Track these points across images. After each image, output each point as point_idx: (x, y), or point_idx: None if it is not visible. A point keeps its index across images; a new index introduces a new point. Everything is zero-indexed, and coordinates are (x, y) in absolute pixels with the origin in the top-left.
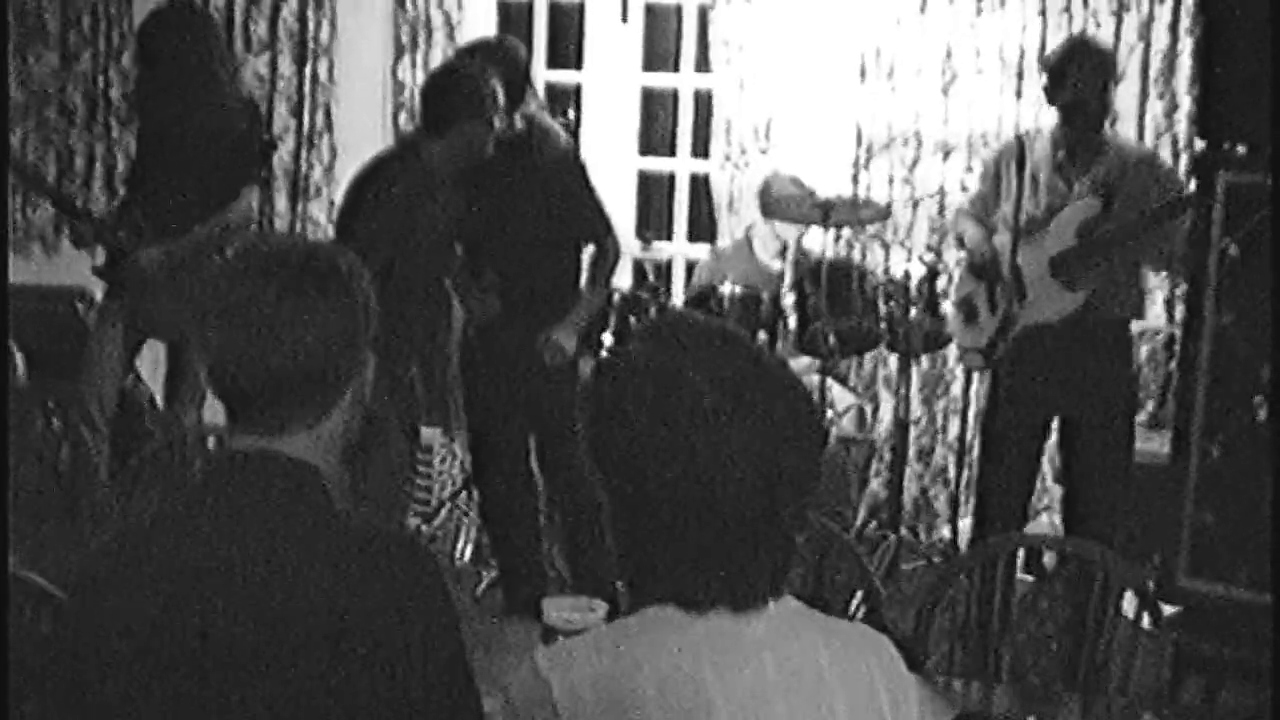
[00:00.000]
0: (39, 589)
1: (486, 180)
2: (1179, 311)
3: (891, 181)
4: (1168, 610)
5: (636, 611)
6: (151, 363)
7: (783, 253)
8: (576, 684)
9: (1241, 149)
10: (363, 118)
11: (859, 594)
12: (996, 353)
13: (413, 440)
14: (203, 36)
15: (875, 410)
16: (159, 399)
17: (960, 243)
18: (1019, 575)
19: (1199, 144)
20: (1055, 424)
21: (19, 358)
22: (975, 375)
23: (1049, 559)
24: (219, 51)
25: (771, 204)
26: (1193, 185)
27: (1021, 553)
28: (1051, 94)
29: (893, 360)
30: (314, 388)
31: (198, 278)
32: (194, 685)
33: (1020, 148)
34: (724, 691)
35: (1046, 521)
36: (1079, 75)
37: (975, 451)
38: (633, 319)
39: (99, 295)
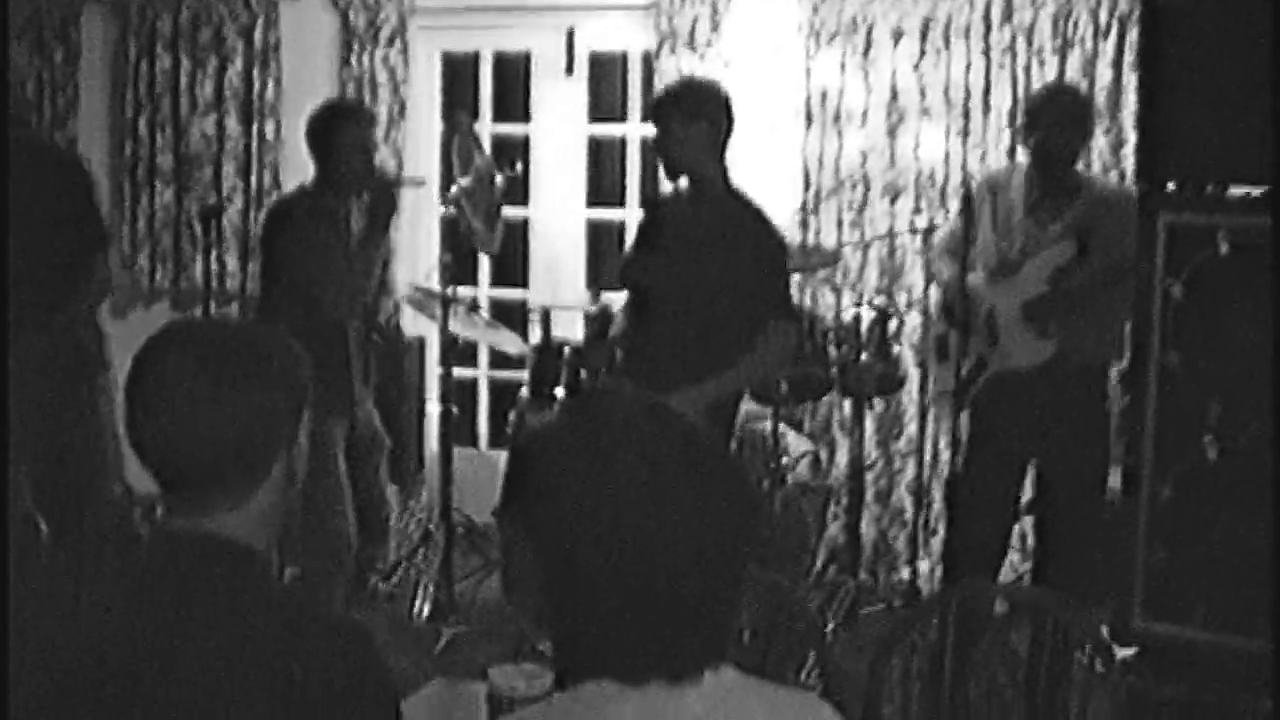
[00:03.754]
0: None
1: (673, 219)
2: None
3: (840, 225)
4: (1124, 652)
5: (570, 684)
6: None
7: None
8: None
9: (1181, 188)
10: (310, 176)
11: (811, 649)
12: (968, 396)
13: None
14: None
15: (831, 455)
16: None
17: (936, 281)
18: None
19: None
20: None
21: None
22: (930, 417)
23: (1000, 607)
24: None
25: None
26: None
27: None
28: (1025, 136)
29: (847, 404)
30: (240, 465)
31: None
32: None
33: (995, 186)
34: None
35: (1007, 561)
36: (1051, 118)
37: (934, 493)
38: (583, 372)
39: None
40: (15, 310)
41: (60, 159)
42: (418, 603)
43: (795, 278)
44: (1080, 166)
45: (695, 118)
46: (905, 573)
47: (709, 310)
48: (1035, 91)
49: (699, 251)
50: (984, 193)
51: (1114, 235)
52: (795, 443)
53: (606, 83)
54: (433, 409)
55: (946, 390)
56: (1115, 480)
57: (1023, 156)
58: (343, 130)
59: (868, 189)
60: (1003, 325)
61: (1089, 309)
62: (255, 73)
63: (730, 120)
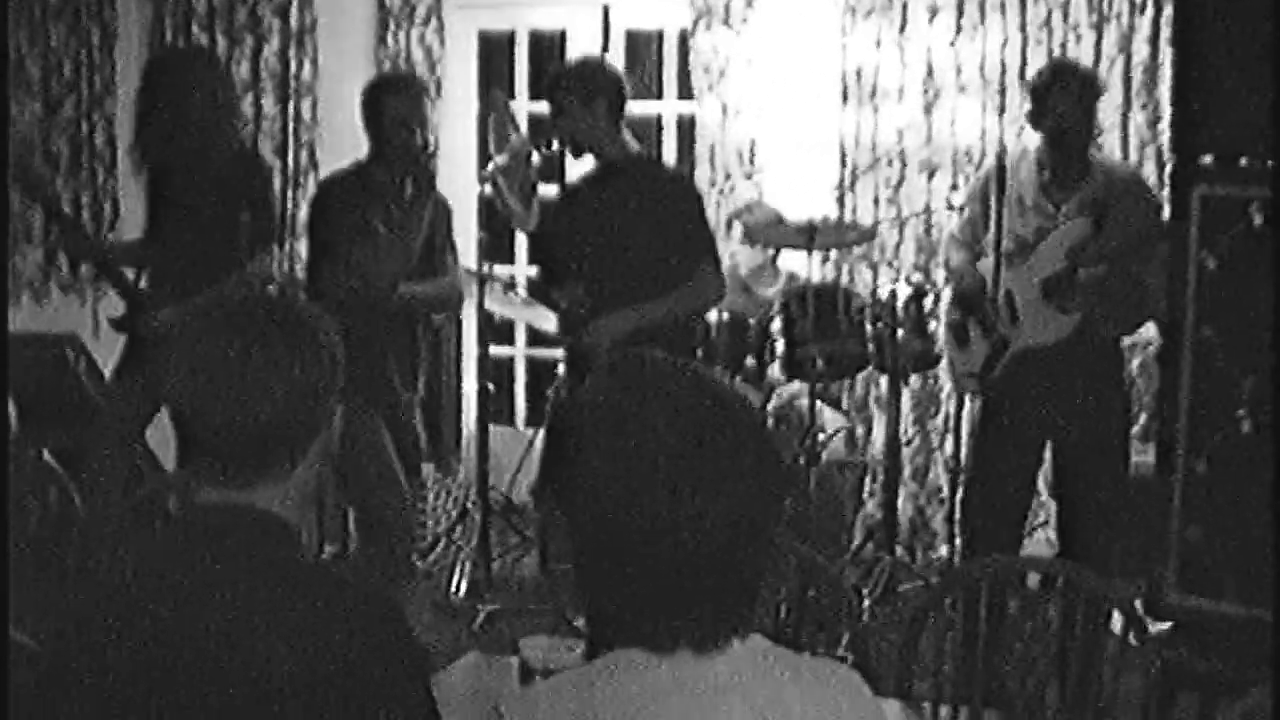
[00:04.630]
0: (23, 648)
1: (587, 199)
2: None
3: (877, 202)
4: (1158, 627)
5: (601, 653)
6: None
7: (771, 278)
8: None
9: (1215, 161)
10: (347, 156)
11: (844, 622)
12: (990, 376)
13: (414, 478)
14: (212, 83)
15: (867, 432)
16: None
17: (950, 272)
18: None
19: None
20: (1049, 445)
21: (10, 406)
22: (967, 394)
23: (1033, 580)
24: (227, 100)
25: (754, 230)
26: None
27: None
28: (1035, 117)
29: (883, 381)
30: (281, 440)
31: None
32: None
33: (1003, 171)
34: None
35: (1043, 538)
36: (1061, 97)
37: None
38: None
39: (89, 342)
40: (164, 283)
41: (246, 155)
42: (455, 580)
43: (831, 253)
44: (1117, 141)
45: (594, 96)
46: (942, 550)
47: (639, 273)
48: (1039, 71)
49: (617, 224)
50: (994, 179)
51: (1128, 211)
52: (832, 419)
53: (642, 60)
54: (470, 387)
55: (971, 371)
56: (1137, 455)
57: (1031, 138)
58: (388, 103)
59: (904, 165)
60: (1022, 305)
61: (1109, 283)
62: (291, 52)
63: (625, 96)
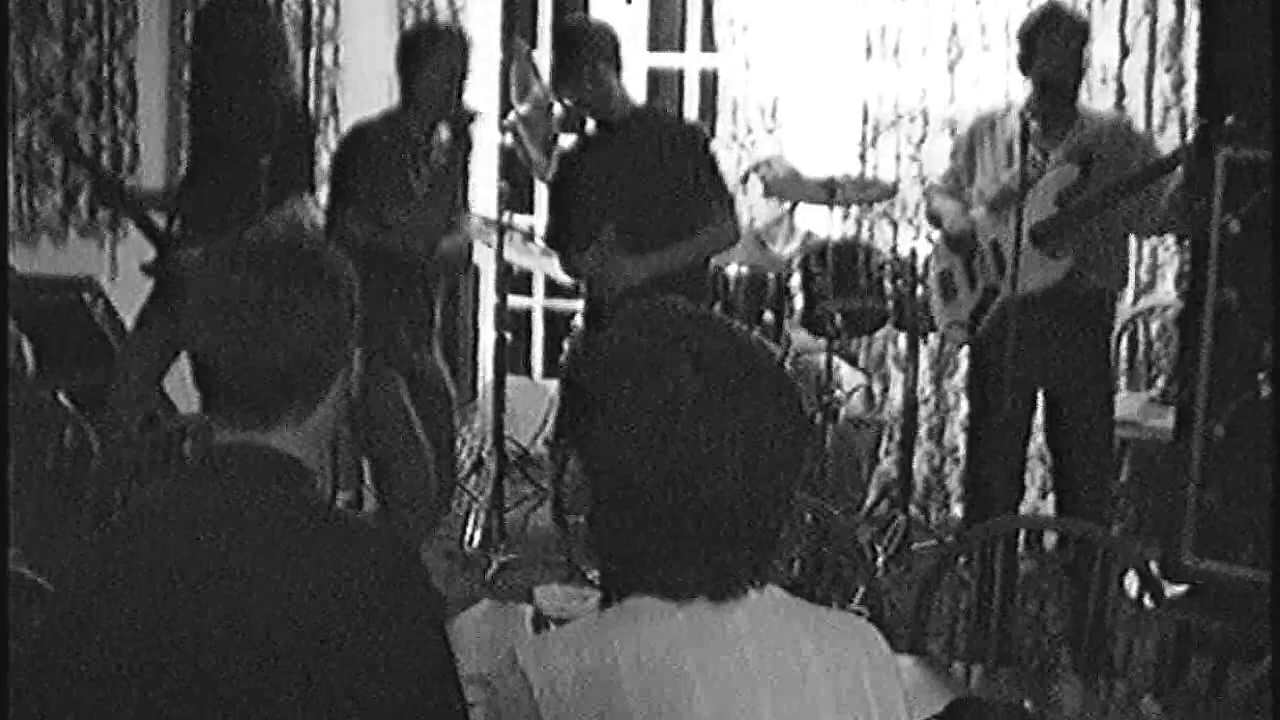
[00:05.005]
0: (34, 584)
1: (596, 154)
2: None
3: (898, 159)
4: (1174, 590)
5: (617, 601)
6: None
7: (787, 233)
8: (555, 677)
9: (1240, 123)
10: (369, 101)
11: (859, 577)
12: (979, 326)
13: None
14: (263, 30)
15: (885, 389)
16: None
17: (935, 220)
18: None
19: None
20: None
21: (27, 348)
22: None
23: (1049, 540)
24: (277, 48)
25: (772, 183)
26: (1164, 150)
27: (1022, 533)
28: (1025, 63)
29: (902, 339)
30: (300, 382)
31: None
32: (176, 681)
33: (993, 122)
34: (705, 682)
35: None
36: (1052, 44)
37: None
38: None
39: (106, 285)
40: (197, 228)
41: (295, 108)
42: (469, 530)
43: (852, 210)
44: (1141, 104)
45: (611, 58)
46: (957, 509)
47: (653, 223)
48: (1029, 16)
49: (628, 177)
50: (981, 130)
51: (1115, 156)
52: (849, 376)
53: (666, 13)
54: (487, 337)
55: (957, 323)
56: (1156, 419)
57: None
58: (434, 52)
59: (926, 123)
60: (1010, 252)
61: (1097, 228)
62: None
63: (621, 53)
